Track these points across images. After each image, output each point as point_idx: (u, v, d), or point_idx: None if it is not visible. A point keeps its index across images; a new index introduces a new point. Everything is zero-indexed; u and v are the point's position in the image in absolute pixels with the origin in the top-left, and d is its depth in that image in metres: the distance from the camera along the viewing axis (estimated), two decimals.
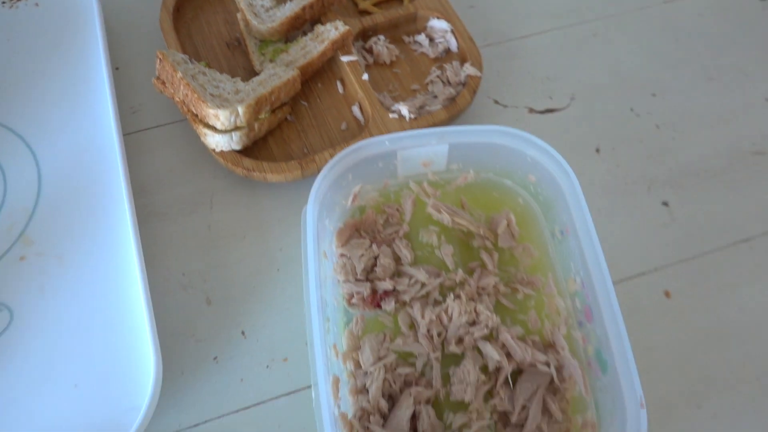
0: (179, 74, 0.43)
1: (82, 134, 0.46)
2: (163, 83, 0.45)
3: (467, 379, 0.38)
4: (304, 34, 0.51)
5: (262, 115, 0.45)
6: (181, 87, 0.43)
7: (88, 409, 0.37)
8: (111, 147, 0.44)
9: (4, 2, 0.51)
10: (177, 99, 0.44)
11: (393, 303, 0.40)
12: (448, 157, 0.43)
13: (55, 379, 0.38)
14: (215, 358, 0.42)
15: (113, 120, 0.44)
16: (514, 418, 0.38)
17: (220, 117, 0.42)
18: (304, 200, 0.42)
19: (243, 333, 0.43)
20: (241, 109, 0.42)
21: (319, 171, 0.44)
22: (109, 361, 0.38)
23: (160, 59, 0.44)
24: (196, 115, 0.44)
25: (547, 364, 0.39)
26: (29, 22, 0.51)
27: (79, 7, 0.52)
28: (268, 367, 0.42)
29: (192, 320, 0.42)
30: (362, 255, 0.42)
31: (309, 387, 0.41)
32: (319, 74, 0.50)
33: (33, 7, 0.52)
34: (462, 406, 0.38)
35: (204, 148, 0.48)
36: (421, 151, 0.42)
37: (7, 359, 0.38)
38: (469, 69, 0.50)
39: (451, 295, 0.40)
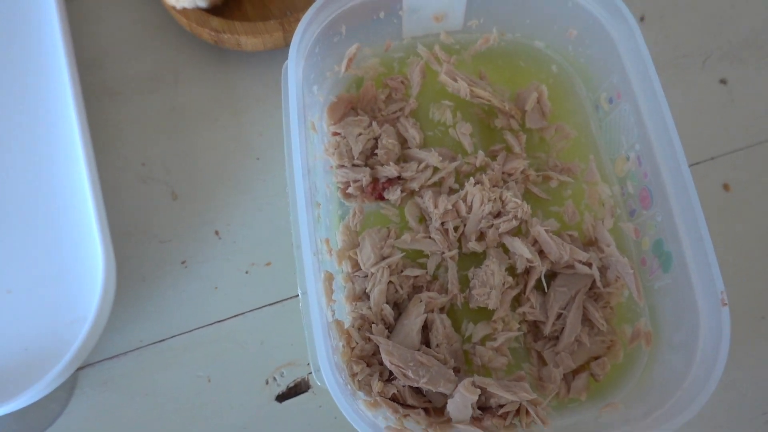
0: None
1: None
2: None
3: (490, 282, 0.31)
4: None
5: None
6: None
7: (24, 319, 0.30)
8: (48, 8, 0.35)
9: None
10: None
11: (398, 192, 0.33)
12: (466, 7, 0.34)
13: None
14: (183, 263, 0.34)
15: None
16: (547, 329, 0.31)
17: None
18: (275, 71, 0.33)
19: (216, 233, 0.35)
20: None
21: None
22: (50, 265, 0.31)
23: None
24: None
25: (589, 264, 0.31)
26: None
27: None
28: (247, 272, 0.34)
29: (154, 217, 0.35)
30: (360, 134, 0.33)
31: (297, 296, 0.34)
32: None
33: None
34: (484, 315, 0.31)
35: (164, 11, 0.39)
36: (431, 3, 0.33)
37: None
38: None
39: (471, 180, 0.32)
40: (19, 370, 0.29)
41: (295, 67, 0.29)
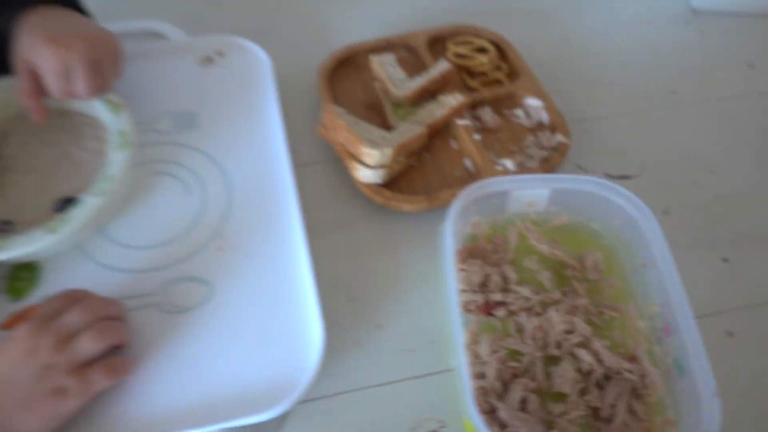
0: (342, 122, 0.55)
1: (261, 162, 0.58)
2: (326, 129, 0.58)
3: (566, 376, 0.47)
4: (428, 101, 0.64)
5: (400, 159, 0.57)
6: (343, 132, 0.55)
7: (269, 367, 0.47)
8: (285, 173, 0.56)
9: (202, 64, 0.66)
10: (337, 141, 0.57)
11: (503, 311, 0.50)
12: (548, 200, 0.53)
13: (243, 340, 0.48)
14: (356, 343, 0.51)
15: (285, 154, 0.57)
16: (604, 413, 0.46)
17: (372, 155, 0.54)
18: (427, 227, 0.54)
19: (379, 326, 0.52)
20: (387, 151, 0.54)
21: (441, 205, 0.56)
22: (285, 332, 0.48)
23: (326, 111, 0.57)
24: (351, 154, 0.56)
25: (631, 372, 0.47)
26: (220, 78, 0.65)
27: (257, 70, 0.66)
28: (398, 354, 0.51)
29: (339, 312, 0.52)
30: (477, 271, 0.52)
31: (431, 374, 0.50)
32: (438, 133, 0.63)
33: (222, 69, 0.66)
34: (561, 398, 0.47)
35: (349, 182, 0.60)
36: (528, 192, 0.53)
37: (207, 322, 0.49)
38: (559, 137, 0.62)
39: (552, 309, 0.49)
40: (261, 395, 0.45)
41: (449, 229, 0.48)
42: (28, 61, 0.52)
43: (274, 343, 0.48)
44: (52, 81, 0.51)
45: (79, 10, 0.58)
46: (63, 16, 0.54)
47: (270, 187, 0.57)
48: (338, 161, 0.62)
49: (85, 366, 0.43)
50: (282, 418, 0.48)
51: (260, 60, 0.67)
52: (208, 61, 0.67)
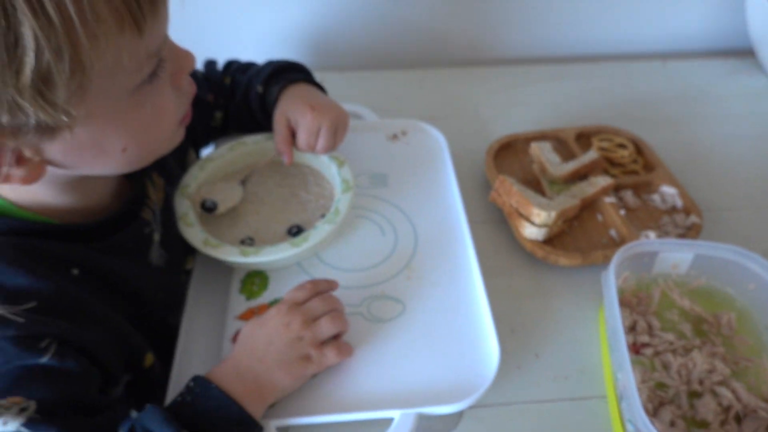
0: (515, 188, 0.70)
1: (440, 214, 0.73)
2: (498, 194, 0.72)
3: (709, 407, 0.55)
4: (579, 181, 0.77)
5: (558, 222, 0.70)
6: (515, 196, 0.69)
7: (452, 372, 0.58)
8: (461, 223, 0.71)
9: (390, 139, 0.84)
10: (507, 204, 0.71)
11: (650, 351, 0.59)
12: (690, 264, 0.64)
13: (430, 348, 0.60)
14: (518, 367, 0.62)
15: (461, 208, 0.72)
16: None
17: (541, 214, 0.67)
18: (577, 279, 0.66)
19: (536, 355, 0.63)
20: (553, 213, 0.67)
21: (592, 263, 0.67)
22: (464, 346, 0.60)
23: (500, 180, 0.71)
24: (521, 214, 0.69)
25: (766, 411, 0.55)
26: (405, 150, 0.83)
27: (435, 146, 0.83)
28: (554, 379, 0.61)
29: (503, 341, 0.62)
30: (626, 317, 0.62)
31: (583, 398, 0.59)
32: (586, 207, 0.75)
33: (405, 145, 0.84)
34: (704, 425, 0.55)
35: (511, 239, 0.73)
36: (674, 255, 0.63)
37: (400, 334, 0.61)
38: (693, 218, 0.73)
39: (697, 348, 0.58)
40: (445, 393, 0.56)
41: (612, 276, 0.59)
42: (289, 118, 0.71)
43: (455, 353, 0.60)
44: (304, 136, 0.70)
45: (322, 89, 0.77)
46: (315, 92, 0.74)
47: (447, 233, 0.71)
48: (501, 222, 0.75)
49: (322, 343, 0.57)
50: (458, 416, 0.58)
51: (437, 139, 0.84)
52: (394, 137, 0.85)
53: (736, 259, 0.62)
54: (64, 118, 0.41)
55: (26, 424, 0.43)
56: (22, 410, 0.44)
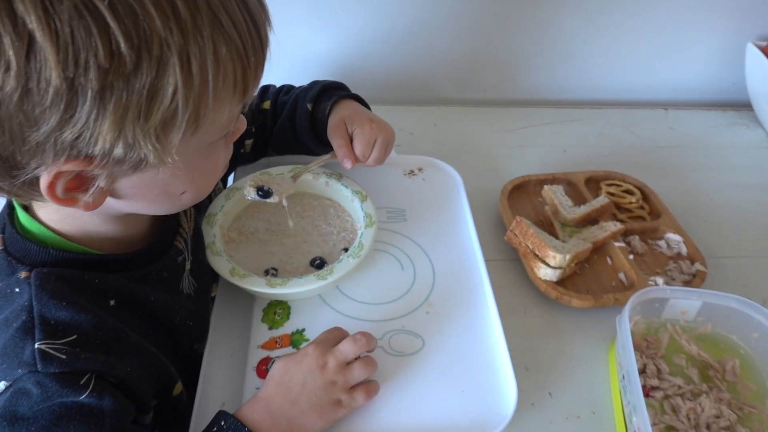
0: (532, 230, 0.72)
1: (457, 251, 0.75)
2: (515, 235, 0.75)
3: None
4: (590, 225, 0.80)
5: (572, 264, 0.73)
6: (532, 237, 0.72)
7: (470, 408, 0.60)
8: (477, 261, 0.73)
9: (407, 175, 0.87)
10: (523, 245, 0.74)
11: (660, 394, 0.62)
12: (698, 311, 0.67)
13: (449, 384, 0.62)
14: (533, 404, 0.64)
15: (477, 246, 0.74)
16: None
17: (556, 257, 0.70)
18: (588, 321, 0.69)
19: (550, 394, 0.65)
20: (568, 256, 0.70)
21: (603, 305, 0.70)
22: (485, 381, 0.62)
23: (518, 221, 0.74)
24: (536, 256, 0.72)
25: None
26: (421, 186, 0.85)
27: (451, 183, 0.86)
28: (567, 419, 0.63)
29: (517, 378, 0.65)
30: (637, 360, 0.64)
31: None
32: (596, 251, 0.78)
33: (421, 180, 0.86)
34: None
35: (524, 278, 0.75)
36: (683, 302, 0.66)
37: (420, 369, 0.63)
38: (698, 266, 0.76)
39: (705, 393, 0.61)
40: (467, 430, 0.58)
41: (626, 320, 0.62)
42: (348, 127, 0.73)
43: (473, 390, 0.62)
44: (361, 146, 0.72)
45: (367, 106, 0.81)
46: (364, 108, 0.78)
47: (465, 269, 0.73)
48: (515, 261, 0.78)
49: (353, 386, 0.58)
50: None
51: (452, 176, 0.87)
52: (411, 173, 0.88)
53: (740, 308, 0.65)
54: (169, 161, 0.44)
55: None
56: None
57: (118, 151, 0.41)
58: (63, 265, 0.51)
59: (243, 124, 0.55)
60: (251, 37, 0.44)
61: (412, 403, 0.60)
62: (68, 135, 0.39)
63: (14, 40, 0.35)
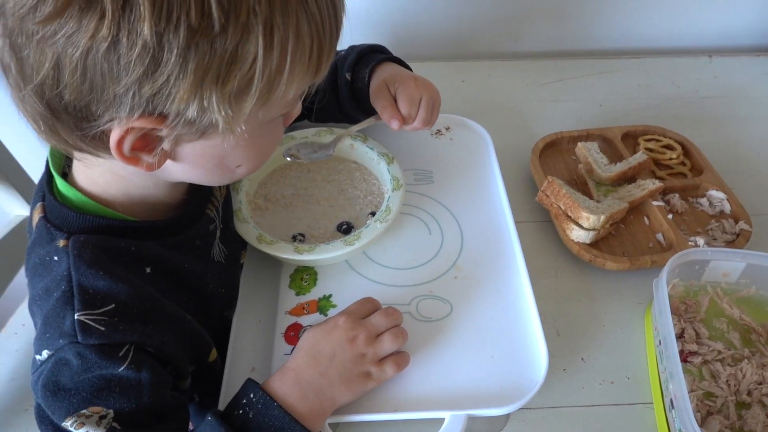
0: (564, 190, 0.70)
1: (486, 213, 0.74)
2: (546, 195, 0.72)
3: (758, 418, 0.55)
4: (626, 183, 0.77)
5: (606, 225, 0.70)
6: (564, 198, 0.69)
7: (500, 374, 0.59)
8: (507, 222, 0.71)
9: (434, 135, 0.84)
10: (555, 206, 0.71)
11: (698, 359, 0.60)
12: (741, 273, 0.64)
13: (478, 350, 0.61)
14: (564, 370, 0.63)
15: (507, 207, 0.72)
16: None
17: (590, 218, 0.67)
18: (623, 284, 0.67)
19: (582, 359, 0.64)
20: (602, 217, 0.67)
21: (640, 267, 0.68)
22: (515, 346, 0.61)
23: (550, 182, 0.71)
24: (569, 217, 0.69)
25: None
26: (449, 146, 0.83)
27: (480, 143, 0.83)
28: (600, 384, 0.62)
29: (549, 343, 0.63)
30: (675, 324, 0.62)
31: (629, 404, 0.60)
32: (633, 210, 0.75)
33: (449, 140, 0.84)
34: None
35: (557, 240, 0.73)
36: (725, 264, 0.63)
37: (449, 335, 0.62)
38: (742, 225, 0.72)
39: (746, 359, 0.59)
40: (495, 395, 0.57)
41: (664, 283, 0.59)
42: (390, 88, 0.71)
43: (503, 355, 0.60)
44: (406, 105, 0.69)
45: (408, 68, 0.78)
46: (406, 69, 0.75)
47: (494, 232, 0.71)
48: (547, 222, 0.75)
49: (383, 358, 0.58)
50: (505, 417, 0.60)
51: (481, 135, 0.84)
52: (438, 133, 0.85)
53: None
54: (240, 128, 0.45)
55: None
56: (101, 418, 0.46)
57: (192, 112, 0.41)
58: (100, 232, 0.51)
59: (299, 109, 0.55)
60: (330, 18, 0.45)
61: (440, 370, 0.60)
62: (147, 90, 0.39)
63: None
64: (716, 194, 0.77)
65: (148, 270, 0.52)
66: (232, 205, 0.68)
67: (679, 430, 0.53)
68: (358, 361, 0.56)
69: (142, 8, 0.36)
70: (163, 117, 0.42)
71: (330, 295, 0.66)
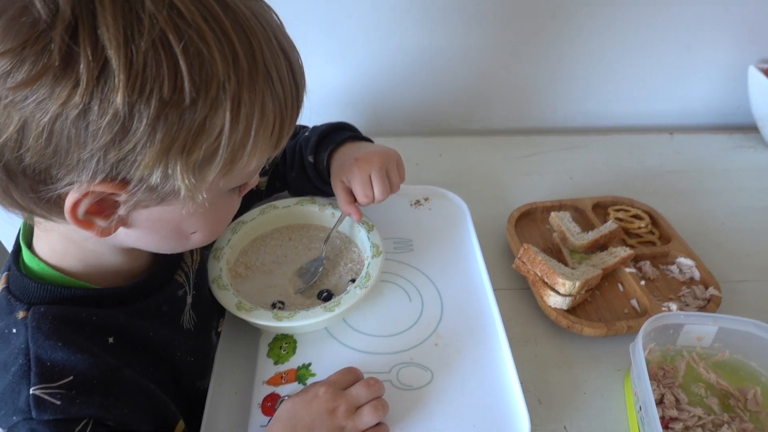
0: (539, 257, 0.71)
1: (465, 281, 0.74)
2: (523, 263, 0.74)
3: None
4: (598, 251, 0.79)
5: (581, 292, 0.71)
6: (540, 265, 0.71)
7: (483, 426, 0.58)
8: (486, 291, 0.72)
9: (413, 205, 0.86)
10: (531, 273, 0.72)
11: (680, 425, 0.60)
12: (714, 337, 0.65)
13: (460, 419, 0.60)
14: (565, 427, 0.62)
15: (485, 276, 0.73)
16: None
17: (566, 284, 0.69)
18: (600, 349, 0.67)
19: (565, 428, 0.63)
20: (577, 282, 0.69)
21: (616, 333, 0.68)
22: (496, 415, 0.60)
23: (525, 249, 0.73)
24: (546, 283, 0.71)
25: None
26: (428, 216, 0.85)
27: (457, 212, 0.85)
28: None
29: (531, 411, 0.63)
30: (654, 390, 0.62)
31: None
32: (606, 278, 0.77)
33: (428, 210, 0.86)
34: None
35: (534, 307, 0.74)
36: (699, 328, 0.65)
37: (430, 404, 0.61)
38: (712, 290, 0.74)
39: (726, 424, 0.59)
40: None
41: (640, 347, 0.60)
42: (343, 180, 0.73)
43: (484, 424, 0.60)
44: (359, 190, 0.71)
45: (369, 141, 0.80)
46: (361, 145, 0.77)
47: (473, 299, 0.72)
48: (524, 290, 0.77)
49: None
50: None
51: (459, 205, 0.86)
52: (417, 203, 0.87)
53: (758, 333, 0.63)
54: (201, 196, 0.45)
55: None
56: None
57: (155, 179, 0.42)
58: (61, 302, 0.50)
59: (256, 179, 0.57)
60: (292, 96, 0.47)
61: None
62: (113, 156, 0.40)
63: (90, 62, 0.37)
64: (685, 261, 0.79)
65: (110, 340, 0.52)
66: (206, 272, 0.68)
67: None
68: None
69: (117, 80, 0.37)
70: (125, 182, 0.42)
71: (309, 364, 0.65)
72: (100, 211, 0.45)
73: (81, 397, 0.47)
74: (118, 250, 0.53)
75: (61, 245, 0.51)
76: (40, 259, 0.51)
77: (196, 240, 0.53)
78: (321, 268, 0.73)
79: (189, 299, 0.63)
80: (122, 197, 0.43)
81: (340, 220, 0.77)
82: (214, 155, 0.43)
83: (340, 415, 0.56)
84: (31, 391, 0.45)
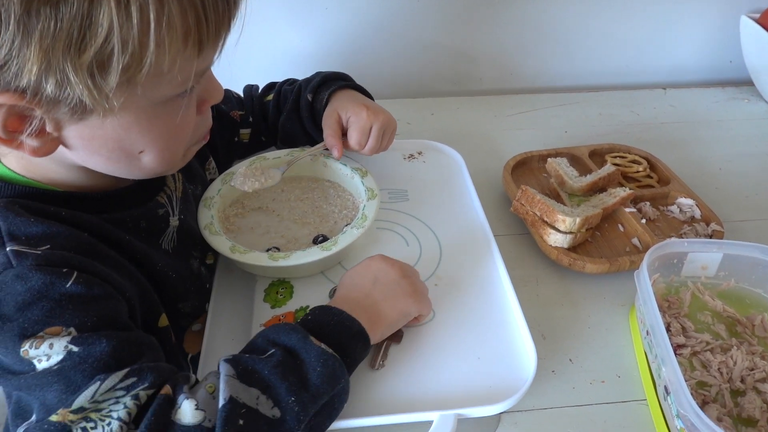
0: (538, 197, 0.70)
1: (462, 224, 0.73)
2: (522, 205, 0.72)
3: (755, 404, 0.53)
4: (597, 193, 0.78)
5: (582, 230, 0.70)
6: (539, 204, 0.70)
7: (488, 374, 0.56)
8: (484, 231, 0.71)
9: (407, 159, 0.85)
10: (530, 213, 0.71)
11: (687, 350, 0.58)
12: (719, 265, 0.64)
13: (464, 352, 0.58)
14: (553, 371, 0.60)
15: (484, 220, 0.72)
16: None
17: (566, 220, 0.67)
18: (603, 286, 0.66)
19: (570, 360, 0.61)
20: (578, 219, 0.67)
21: (619, 269, 0.67)
22: (501, 348, 0.59)
23: (523, 191, 0.72)
24: (545, 222, 0.69)
25: None
26: (422, 168, 0.83)
27: (452, 164, 0.84)
28: (591, 383, 0.59)
29: (535, 346, 0.61)
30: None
31: (622, 401, 0.58)
32: (606, 218, 0.76)
33: (422, 163, 0.84)
34: (751, 423, 0.53)
35: (535, 249, 0.73)
36: (703, 256, 0.63)
37: (433, 339, 0.60)
38: (714, 226, 0.73)
39: (735, 347, 0.57)
40: (487, 396, 0.54)
41: (646, 273, 0.59)
42: (341, 116, 0.72)
43: (490, 357, 0.58)
44: (356, 134, 0.70)
45: (371, 97, 0.79)
46: (364, 97, 0.76)
47: (471, 242, 0.71)
48: (524, 234, 0.75)
49: None
50: (496, 420, 0.56)
51: (453, 157, 0.85)
52: (411, 157, 0.86)
53: (764, 257, 0.62)
54: (105, 104, 0.42)
55: (72, 342, 0.42)
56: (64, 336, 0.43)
57: (50, 87, 0.40)
58: (28, 197, 0.49)
59: (218, 93, 0.54)
60: None
61: (427, 372, 0.57)
62: None
63: None
64: (685, 201, 0.78)
65: (85, 234, 0.49)
66: (193, 204, 0.67)
67: (676, 416, 0.51)
68: (400, 282, 0.57)
69: None
70: (21, 92, 0.40)
71: (307, 307, 0.63)
72: (19, 128, 0.43)
73: (62, 253, 0.46)
74: (76, 168, 0.51)
75: (23, 161, 0.50)
76: (8, 167, 0.50)
77: (149, 161, 0.50)
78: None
79: (174, 222, 0.61)
80: (36, 112, 0.42)
81: (315, 149, 0.74)
82: (111, 56, 0.40)
83: (398, 268, 0.59)
84: (8, 248, 0.44)
